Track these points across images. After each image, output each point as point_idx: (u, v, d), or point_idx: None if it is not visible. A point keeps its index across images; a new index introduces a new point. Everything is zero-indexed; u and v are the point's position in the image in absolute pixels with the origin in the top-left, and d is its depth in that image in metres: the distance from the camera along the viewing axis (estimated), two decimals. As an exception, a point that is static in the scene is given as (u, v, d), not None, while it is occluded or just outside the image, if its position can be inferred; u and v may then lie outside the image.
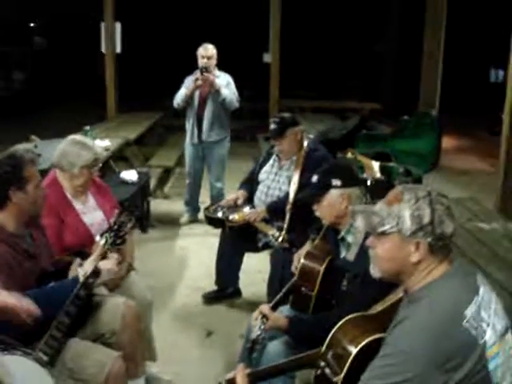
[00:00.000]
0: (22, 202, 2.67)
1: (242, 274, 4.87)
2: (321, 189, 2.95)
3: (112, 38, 9.12)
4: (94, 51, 9.96)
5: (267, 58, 9.62)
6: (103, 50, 9.26)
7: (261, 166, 4.70)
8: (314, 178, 2.99)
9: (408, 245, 1.86)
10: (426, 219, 1.83)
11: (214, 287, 4.86)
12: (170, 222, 6.77)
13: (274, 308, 2.95)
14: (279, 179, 4.53)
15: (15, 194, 2.65)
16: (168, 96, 11.14)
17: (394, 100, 13.62)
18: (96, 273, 2.55)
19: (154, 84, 13.48)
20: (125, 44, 9.36)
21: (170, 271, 5.43)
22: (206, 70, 6.00)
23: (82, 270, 2.58)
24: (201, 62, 6.10)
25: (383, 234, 1.89)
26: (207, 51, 6.12)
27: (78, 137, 3.60)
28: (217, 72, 6.23)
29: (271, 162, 4.62)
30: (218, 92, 6.08)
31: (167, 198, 7.78)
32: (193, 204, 6.77)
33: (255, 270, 5.15)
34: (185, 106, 6.33)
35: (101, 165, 3.75)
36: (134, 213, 5.32)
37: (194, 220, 6.74)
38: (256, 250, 4.65)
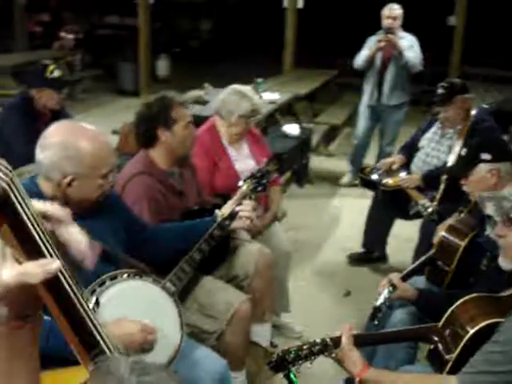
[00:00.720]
0: (170, 141, 2.83)
1: (391, 240, 4.81)
2: (469, 162, 2.80)
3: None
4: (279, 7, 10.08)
5: (452, 21, 9.14)
6: (285, 4, 9.35)
7: (423, 132, 4.54)
8: (463, 151, 2.85)
9: None
10: None
11: (361, 249, 4.85)
12: (329, 180, 6.80)
13: (405, 278, 2.88)
14: (440, 148, 4.35)
15: (163, 133, 2.82)
16: (346, 54, 11.02)
17: None
18: (232, 216, 2.65)
19: (333, 41, 13.37)
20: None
21: (319, 228, 5.49)
22: (390, 30, 5.86)
23: (219, 211, 2.70)
24: (385, 22, 5.96)
25: None
26: (392, 11, 5.96)
27: (239, 86, 3.70)
28: (401, 33, 6.03)
29: (434, 128, 4.45)
30: (401, 54, 5.91)
31: (331, 156, 7.80)
32: (357, 165, 6.65)
33: (406, 237, 5.02)
34: (365, 67, 6.22)
35: (260, 116, 3.83)
36: (292, 166, 5.49)
37: (354, 182, 6.64)
38: (407, 217, 4.54)
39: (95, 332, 0.93)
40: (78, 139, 2.03)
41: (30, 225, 0.80)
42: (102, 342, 0.94)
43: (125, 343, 1.92)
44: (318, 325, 3.87)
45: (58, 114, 4.07)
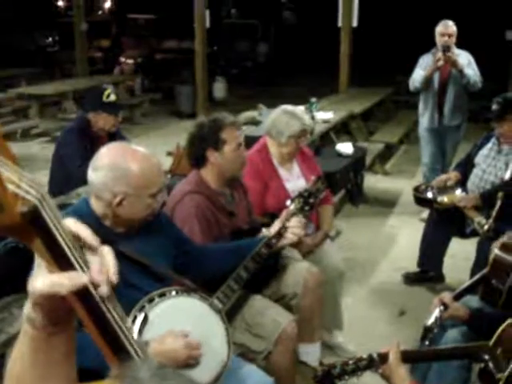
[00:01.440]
0: (219, 162, 2.87)
1: (448, 259, 4.71)
2: None
3: (349, 11, 9.18)
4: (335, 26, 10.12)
5: (510, 35, 8.95)
6: (339, 23, 9.37)
7: (479, 149, 4.47)
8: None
9: None
10: None
11: (417, 269, 4.76)
12: (385, 199, 6.72)
13: (458, 297, 2.82)
14: (496, 164, 4.27)
15: (212, 154, 2.86)
16: (400, 71, 10.91)
17: None
18: (279, 234, 2.67)
19: (388, 59, 13.32)
20: (361, 18, 9.36)
21: (374, 247, 5.43)
22: (447, 48, 5.61)
23: (267, 230, 2.72)
24: (440, 40, 5.71)
25: None
26: (448, 28, 5.71)
27: (289, 107, 3.73)
28: (456, 50, 5.79)
29: (490, 145, 4.37)
30: (460, 72, 5.65)
31: (387, 174, 7.72)
32: None
33: (464, 256, 4.91)
34: (423, 89, 5.96)
35: (313, 135, 3.83)
36: (346, 185, 5.47)
37: None
38: (464, 235, 4.46)
39: (123, 337, 0.96)
40: (127, 160, 2.10)
41: (61, 240, 0.85)
42: (129, 347, 0.97)
43: (169, 359, 1.96)
44: (372, 344, 3.79)
45: (113, 137, 4.19)
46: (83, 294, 0.88)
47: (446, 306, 2.65)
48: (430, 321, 2.63)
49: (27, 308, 0.91)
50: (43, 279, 0.86)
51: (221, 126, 2.85)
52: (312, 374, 3.14)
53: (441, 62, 5.64)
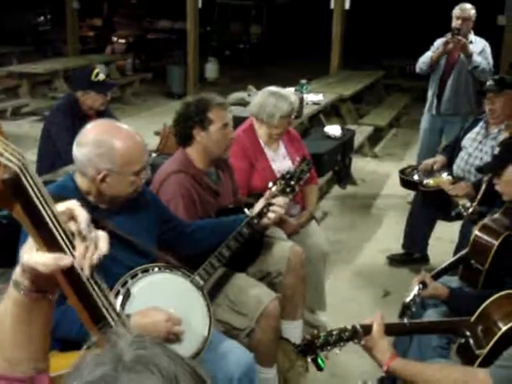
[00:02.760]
0: (205, 141, 2.89)
1: (434, 242, 4.76)
2: (502, 162, 2.76)
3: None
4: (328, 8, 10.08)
5: (502, 20, 8.94)
6: (332, 5, 9.34)
7: (465, 132, 4.49)
8: (496, 149, 2.82)
9: None
10: None
11: (402, 251, 4.81)
12: (373, 182, 6.77)
13: (437, 277, 2.86)
14: (483, 148, 4.30)
15: (199, 133, 2.88)
16: (393, 55, 10.91)
17: None
18: (260, 214, 2.71)
19: (381, 42, 13.28)
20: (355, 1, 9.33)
21: (361, 228, 5.48)
22: (458, 32, 5.29)
23: (249, 210, 2.75)
24: (455, 23, 5.42)
25: None
26: (463, 12, 5.43)
27: (273, 88, 3.74)
28: (472, 36, 5.51)
29: (477, 128, 4.40)
30: (469, 58, 5.38)
31: (376, 157, 7.76)
32: None
33: (449, 239, 4.96)
34: (428, 71, 5.69)
35: (293, 117, 3.84)
36: (333, 167, 5.50)
37: None
38: (449, 218, 4.48)
39: (104, 308, 1.01)
40: (111, 137, 2.12)
41: (41, 208, 0.88)
42: (110, 318, 1.01)
43: (150, 332, 1.99)
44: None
45: (102, 116, 4.19)
46: (70, 274, 0.93)
47: (425, 285, 2.70)
48: (409, 298, 2.68)
49: (16, 272, 0.97)
50: (29, 256, 0.91)
51: (208, 106, 2.87)
52: (294, 350, 3.20)
53: (450, 45, 5.40)
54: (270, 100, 3.61)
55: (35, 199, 0.88)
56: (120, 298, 2.10)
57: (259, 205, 2.76)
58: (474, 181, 4.19)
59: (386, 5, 15.11)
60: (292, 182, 2.87)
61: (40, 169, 4.26)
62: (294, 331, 3.20)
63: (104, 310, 1.01)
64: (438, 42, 5.62)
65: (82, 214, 0.99)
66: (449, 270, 2.98)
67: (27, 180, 0.87)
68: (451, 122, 5.68)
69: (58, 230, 0.91)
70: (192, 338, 2.20)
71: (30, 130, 8.18)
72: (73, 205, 0.99)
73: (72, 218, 0.98)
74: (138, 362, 0.77)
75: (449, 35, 5.41)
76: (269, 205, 2.72)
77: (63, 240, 0.93)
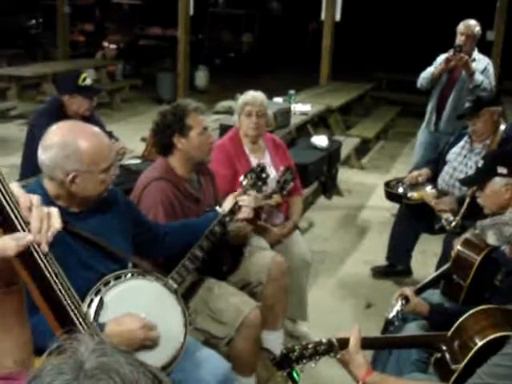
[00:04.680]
0: (186, 147, 2.88)
1: (417, 255, 4.78)
2: (484, 175, 2.77)
3: (332, 5, 9.20)
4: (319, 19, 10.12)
5: (490, 35, 9.03)
6: (322, 17, 9.39)
7: (450, 146, 4.51)
8: (480, 163, 2.83)
9: None
10: None
11: (385, 263, 4.82)
12: (359, 193, 6.78)
13: (419, 292, 2.85)
14: (467, 162, 4.31)
15: (179, 140, 2.87)
16: (381, 67, 10.94)
17: None
18: (232, 211, 2.70)
19: (370, 54, 13.36)
20: (345, 13, 9.37)
21: (345, 240, 5.48)
22: (460, 49, 5.18)
23: (220, 207, 2.74)
24: (458, 39, 5.31)
25: None
26: (466, 28, 5.32)
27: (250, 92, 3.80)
28: (475, 54, 5.42)
29: (462, 143, 4.41)
30: (471, 77, 5.25)
31: (363, 169, 7.78)
32: None
33: (433, 252, 4.98)
34: (429, 88, 5.60)
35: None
36: (319, 177, 5.50)
37: None
38: (432, 231, 4.50)
39: (68, 308, 1.00)
40: (76, 138, 2.09)
41: (4, 202, 0.88)
42: (75, 318, 1.01)
43: (125, 340, 1.98)
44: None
45: (87, 121, 4.16)
46: (27, 257, 0.93)
47: (407, 300, 2.69)
48: (392, 314, 2.66)
49: None
50: None
51: (185, 113, 2.87)
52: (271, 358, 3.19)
53: (452, 63, 5.28)
54: (238, 101, 3.75)
55: (3, 201, 0.88)
56: (94, 307, 2.07)
57: (230, 201, 2.75)
58: (459, 195, 4.20)
59: (377, 17, 15.22)
60: (263, 175, 2.86)
61: (23, 172, 4.23)
62: (274, 341, 3.19)
63: (68, 308, 1.00)
64: (441, 58, 5.50)
65: (34, 196, 0.99)
66: (432, 284, 2.97)
67: None
68: (447, 139, 5.41)
69: (18, 220, 0.92)
70: (167, 344, 2.18)
71: (17, 133, 8.13)
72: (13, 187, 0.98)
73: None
74: (99, 369, 0.76)
75: (451, 52, 5.30)
76: (239, 201, 2.72)
77: (20, 225, 0.93)
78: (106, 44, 12.29)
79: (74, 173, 2.09)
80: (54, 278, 0.98)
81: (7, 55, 11.69)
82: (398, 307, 2.68)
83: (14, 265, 0.94)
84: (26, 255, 0.93)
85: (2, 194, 0.89)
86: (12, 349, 1.02)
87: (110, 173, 2.19)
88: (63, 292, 0.99)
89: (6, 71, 9.74)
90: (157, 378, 0.79)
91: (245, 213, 2.73)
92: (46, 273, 0.96)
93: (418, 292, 2.86)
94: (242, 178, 2.87)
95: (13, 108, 9.13)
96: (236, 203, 2.72)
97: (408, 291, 2.74)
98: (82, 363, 0.77)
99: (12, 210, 0.91)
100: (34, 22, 15.56)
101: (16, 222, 0.92)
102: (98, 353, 0.79)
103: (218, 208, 2.76)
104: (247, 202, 2.73)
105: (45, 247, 0.96)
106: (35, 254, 0.94)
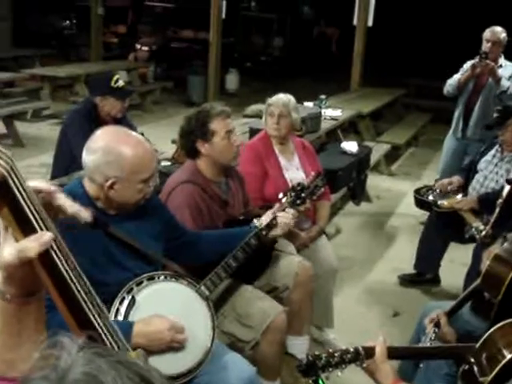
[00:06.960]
0: (210, 152, 2.89)
1: (447, 263, 4.73)
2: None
3: (365, 11, 9.16)
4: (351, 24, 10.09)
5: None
6: (355, 22, 9.36)
7: (482, 155, 4.47)
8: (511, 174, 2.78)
9: None
10: None
11: (413, 271, 4.77)
12: (388, 200, 6.73)
13: (451, 314, 2.79)
14: (498, 171, 4.27)
15: (202, 145, 2.89)
16: (413, 74, 10.84)
17: None
18: (269, 226, 2.70)
19: (401, 61, 13.26)
20: (377, 18, 9.33)
21: (373, 246, 5.44)
22: (486, 55, 5.19)
23: (258, 221, 2.74)
24: (484, 46, 5.31)
25: None
26: (492, 35, 5.31)
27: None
28: (502, 60, 5.41)
29: (493, 151, 4.37)
30: (498, 83, 5.26)
31: (392, 175, 7.73)
32: None
33: (462, 261, 4.91)
34: (455, 94, 5.60)
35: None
36: (348, 183, 5.48)
37: None
38: (462, 240, 4.46)
39: (88, 311, 0.99)
40: (120, 145, 2.13)
41: (26, 208, 0.88)
42: (95, 322, 1.00)
43: (153, 340, 1.99)
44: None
45: (119, 122, 4.21)
46: (46, 259, 0.92)
47: (438, 325, 2.64)
48: (425, 345, 2.60)
49: None
50: (10, 249, 0.89)
51: (208, 118, 2.87)
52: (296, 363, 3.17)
53: (478, 69, 5.28)
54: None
55: (22, 201, 0.88)
56: (125, 305, 2.09)
57: (268, 216, 2.75)
58: (481, 195, 4.17)
59: (409, 23, 15.11)
60: (303, 195, 2.87)
61: (55, 171, 4.30)
62: (299, 347, 3.18)
63: (87, 311, 1.00)
64: (468, 65, 5.48)
65: (43, 184, 0.99)
66: (463, 304, 2.91)
67: (14, 182, 0.87)
68: (476, 148, 5.42)
69: (38, 223, 0.92)
70: (195, 348, 2.20)
71: (49, 132, 8.25)
72: (33, 182, 0.98)
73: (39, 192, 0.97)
74: (82, 380, 0.75)
75: (477, 58, 5.29)
76: (277, 217, 2.72)
77: (39, 225, 0.93)
78: (138, 46, 12.39)
79: (113, 179, 2.11)
80: (73, 278, 0.97)
81: (40, 55, 11.85)
82: (430, 335, 2.63)
83: (35, 267, 0.93)
84: (47, 260, 0.93)
85: (20, 193, 0.89)
86: (30, 354, 1.02)
87: (149, 183, 2.21)
88: (82, 294, 0.99)
89: (40, 71, 9.86)
90: (144, 379, 0.78)
91: (282, 229, 2.74)
92: (63, 271, 0.96)
93: (450, 314, 2.79)
94: (281, 195, 2.88)
95: (45, 108, 9.25)
96: (274, 218, 2.73)
97: (441, 316, 2.68)
98: (66, 372, 0.75)
99: (30, 209, 0.91)
100: (67, 22, 15.75)
101: (36, 225, 0.91)
102: (81, 361, 0.76)
103: (255, 221, 2.77)
104: (285, 219, 2.74)
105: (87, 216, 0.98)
106: (52, 253, 0.93)
